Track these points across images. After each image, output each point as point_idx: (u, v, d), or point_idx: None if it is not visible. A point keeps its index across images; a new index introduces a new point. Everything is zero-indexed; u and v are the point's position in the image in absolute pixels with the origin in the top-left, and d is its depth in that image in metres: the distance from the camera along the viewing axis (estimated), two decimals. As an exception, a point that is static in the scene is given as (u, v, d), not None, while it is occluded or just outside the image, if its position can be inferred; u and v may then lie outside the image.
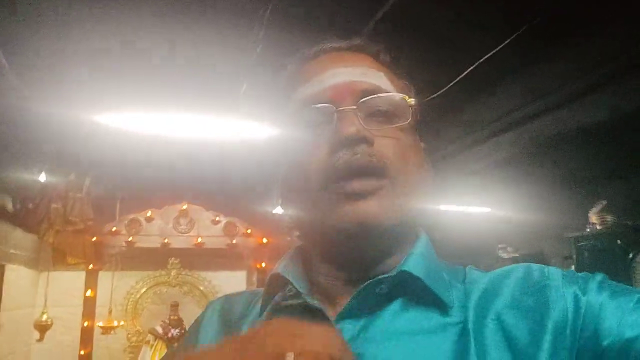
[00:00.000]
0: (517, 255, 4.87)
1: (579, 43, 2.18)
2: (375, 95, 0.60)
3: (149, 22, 2.17)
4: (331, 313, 0.58)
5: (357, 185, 0.56)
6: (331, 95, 0.60)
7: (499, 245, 5.04)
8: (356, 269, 0.60)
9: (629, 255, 3.46)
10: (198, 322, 0.73)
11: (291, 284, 0.61)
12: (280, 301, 0.64)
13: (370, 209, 0.55)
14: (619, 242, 3.57)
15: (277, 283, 0.64)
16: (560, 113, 2.59)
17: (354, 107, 0.58)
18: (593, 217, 3.81)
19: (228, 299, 0.75)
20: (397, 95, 0.62)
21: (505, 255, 4.98)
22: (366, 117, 0.59)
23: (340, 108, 0.58)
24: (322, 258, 0.63)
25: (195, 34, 2.26)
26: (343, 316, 0.58)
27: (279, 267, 0.64)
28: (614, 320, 0.51)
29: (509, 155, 3.05)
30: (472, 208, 4.65)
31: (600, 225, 3.75)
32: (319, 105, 0.59)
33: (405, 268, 0.58)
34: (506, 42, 2.11)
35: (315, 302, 0.58)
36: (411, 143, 0.63)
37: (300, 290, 0.60)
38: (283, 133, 0.65)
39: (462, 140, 3.27)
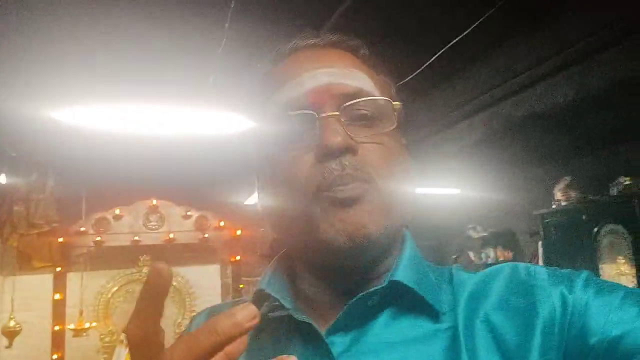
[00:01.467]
0: (486, 234, 4.99)
1: (545, 24, 2.21)
2: (358, 100, 0.57)
3: (112, 14, 2.09)
4: (320, 325, 0.56)
5: (343, 192, 0.54)
6: (312, 100, 0.57)
7: (469, 225, 5.15)
8: (345, 280, 0.59)
9: (593, 229, 3.58)
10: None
11: (277, 301, 0.59)
12: (267, 312, 0.62)
13: (359, 217, 0.54)
14: (583, 217, 3.69)
15: (262, 298, 0.62)
16: (527, 95, 2.64)
17: (337, 113, 0.56)
18: (558, 194, 3.92)
19: (213, 311, 0.72)
20: (381, 99, 0.60)
21: (475, 235, 5.09)
22: (349, 123, 0.57)
23: (323, 115, 0.56)
24: (307, 269, 0.62)
25: (160, 27, 2.19)
26: (333, 329, 0.56)
27: (263, 283, 0.62)
28: (600, 318, 0.52)
29: (477, 138, 3.09)
30: (442, 190, 4.72)
31: (565, 201, 3.86)
32: (300, 112, 0.57)
33: (396, 278, 0.57)
34: (475, 24, 2.12)
35: (304, 317, 0.56)
36: (395, 146, 0.61)
37: (287, 305, 0.58)
38: (261, 133, 0.62)
39: (432, 123, 3.30)
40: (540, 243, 4.19)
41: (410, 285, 0.56)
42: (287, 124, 0.57)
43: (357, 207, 0.54)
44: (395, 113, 0.60)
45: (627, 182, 3.38)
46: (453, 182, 4.66)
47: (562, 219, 3.93)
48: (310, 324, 0.55)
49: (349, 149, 0.55)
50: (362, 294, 0.55)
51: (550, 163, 4.07)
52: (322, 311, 0.59)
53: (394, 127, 0.59)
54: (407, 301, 0.57)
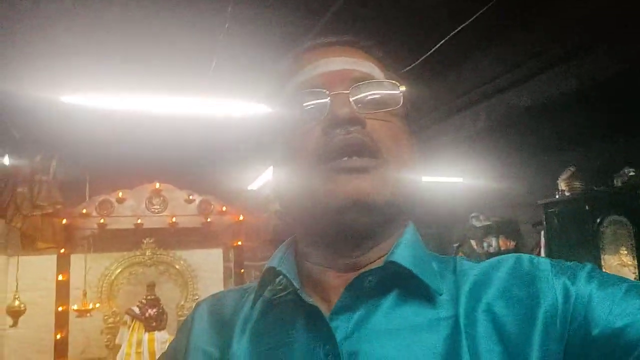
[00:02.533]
0: (490, 223, 4.98)
1: (550, 13, 2.18)
2: (367, 81, 0.61)
3: (115, 0, 2.08)
4: (324, 309, 0.58)
5: (350, 161, 0.57)
6: (325, 80, 0.61)
7: (472, 214, 5.14)
8: (345, 252, 0.60)
9: (596, 220, 3.57)
10: (188, 325, 0.71)
11: (284, 277, 0.61)
12: (272, 296, 0.64)
13: (363, 184, 0.56)
14: (586, 207, 3.68)
15: (270, 276, 0.64)
16: (530, 84, 2.62)
17: (347, 91, 0.59)
18: (562, 184, 3.91)
19: (216, 297, 0.74)
20: (389, 82, 0.63)
21: (477, 224, 5.09)
22: (359, 103, 0.59)
23: (334, 92, 0.59)
24: (310, 240, 0.63)
25: (163, 12, 2.18)
26: (336, 313, 0.57)
27: (274, 262, 0.64)
28: (603, 310, 0.52)
29: (481, 126, 3.07)
30: (445, 178, 4.71)
31: (568, 191, 3.85)
32: (313, 89, 0.60)
33: (392, 259, 0.58)
34: (478, 13, 2.09)
35: (310, 300, 0.58)
36: (402, 128, 0.63)
37: (296, 285, 0.60)
38: (276, 115, 0.65)
39: (435, 112, 3.28)
40: (543, 233, 4.19)
41: (407, 266, 0.57)
42: (300, 102, 0.60)
43: (360, 177, 0.56)
44: (402, 96, 0.62)
45: (632, 174, 3.36)
46: (456, 170, 4.65)
47: (566, 209, 3.91)
48: (316, 307, 0.57)
49: (356, 120, 0.57)
50: (360, 272, 0.57)
51: (554, 153, 4.05)
52: (327, 295, 0.60)
53: (399, 107, 0.61)
54: (409, 287, 0.58)
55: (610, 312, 0.51)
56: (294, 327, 0.59)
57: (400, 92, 0.62)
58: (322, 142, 0.57)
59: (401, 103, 0.62)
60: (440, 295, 0.58)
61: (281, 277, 0.62)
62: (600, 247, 3.57)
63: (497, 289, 0.58)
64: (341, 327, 0.56)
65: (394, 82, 0.63)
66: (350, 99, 0.58)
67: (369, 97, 0.60)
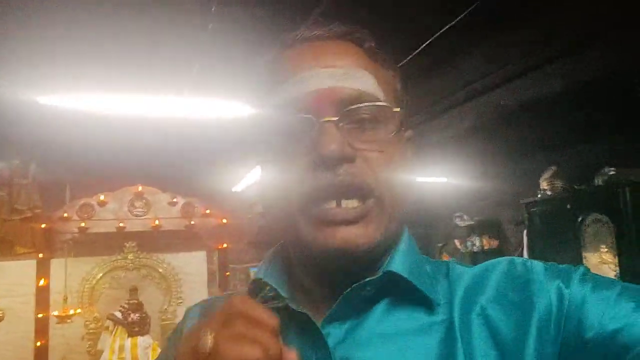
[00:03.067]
0: (473, 222, 5.03)
1: (538, 14, 2.20)
2: (358, 105, 0.56)
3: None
4: (316, 316, 0.57)
5: (337, 210, 0.54)
6: (312, 103, 0.56)
7: (456, 214, 5.18)
8: (338, 280, 0.58)
9: (578, 218, 3.62)
10: (179, 333, 0.70)
11: (275, 290, 0.59)
12: (262, 303, 0.62)
13: (352, 235, 0.54)
14: (568, 206, 3.72)
15: (259, 288, 0.62)
16: (516, 85, 2.65)
17: (336, 118, 0.55)
18: (544, 183, 3.95)
19: (206, 304, 0.72)
20: (382, 104, 0.58)
21: (461, 224, 5.13)
22: (349, 128, 0.56)
23: (322, 120, 0.55)
24: (303, 267, 0.62)
25: (144, 12, 2.14)
26: (329, 320, 0.57)
27: (260, 272, 0.62)
28: (597, 313, 0.52)
29: (465, 127, 3.10)
30: (429, 178, 4.73)
31: (550, 190, 3.90)
32: (300, 115, 0.56)
33: (390, 268, 0.57)
34: (464, 14, 2.10)
35: (300, 308, 0.57)
36: (397, 151, 0.60)
37: (284, 294, 0.59)
38: (263, 127, 0.61)
39: (420, 112, 3.30)
40: (525, 232, 4.23)
41: (405, 275, 0.57)
42: (287, 125, 0.57)
43: (349, 228, 0.54)
44: (398, 117, 0.59)
45: (612, 172, 3.42)
46: (440, 170, 4.67)
47: (547, 208, 3.96)
48: (306, 315, 0.56)
49: (345, 158, 0.54)
50: (356, 284, 0.56)
51: (537, 153, 4.10)
52: (319, 302, 0.60)
53: (394, 133, 0.58)
54: (402, 293, 0.58)
55: (603, 315, 0.51)
56: (285, 334, 0.57)
57: (397, 114, 0.59)
58: (309, 179, 0.55)
59: (396, 127, 0.58)
60: (438, 304, 0.58)
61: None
62: (582, 245, 3.62)
63: (491, 293, 0.58)
64: (333, 333, 0.56)
65: (388, 105, 0.58)
66: (340, 125, 0.54)
67: (361, 122, 0.57)
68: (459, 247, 5.21)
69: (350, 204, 0.55)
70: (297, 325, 0.57)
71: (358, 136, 0.56)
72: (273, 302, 0.61)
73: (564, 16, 2.15)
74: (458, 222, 5.16)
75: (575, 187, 3.72)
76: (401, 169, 0.60)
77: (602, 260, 3.48)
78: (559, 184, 3.88)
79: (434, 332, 0.55)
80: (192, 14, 2.17)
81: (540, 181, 3.98)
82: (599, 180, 3.51)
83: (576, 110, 2.95)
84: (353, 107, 0.56)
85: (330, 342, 0.55)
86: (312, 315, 0.56)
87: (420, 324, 0.56)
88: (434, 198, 4.95)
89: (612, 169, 3.42)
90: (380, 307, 0.58)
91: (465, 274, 0.61)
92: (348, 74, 0.58)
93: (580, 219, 3.62)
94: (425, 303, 0.57)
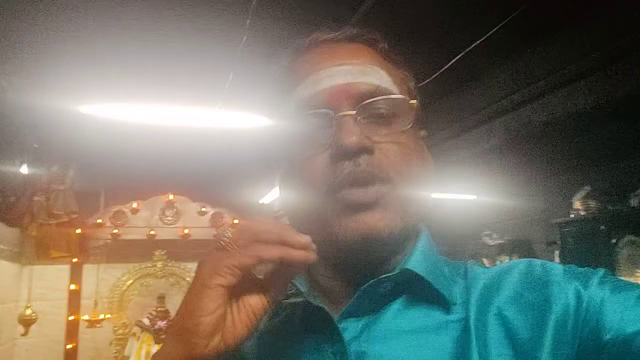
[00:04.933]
0: (503, 241, 4.94)
1: (567, 30, 2.19)
2: (374, 99, 0.58)
3: (135, 12, 2.13)
4: (333, 312, 0.57)
5: (360, 194, 0.55)
6: (329, 98, 0.57)
7: (485, 232, 5.10)
8: (358, 273, 0.59)
9: (612, 240, 3.53)
10: None
11: (292, 283, 0.60)
12: (282, 299, 0.63)
13: (373, 220, 0.55)
14: (602, 227, 3.64)
15: None
16: (547, 101, 2.61)
17: (354, 112, 0.56)
18: (577, 203, 3.87)
19: None
20: (399, 97, 0.59)
21: (490, 242, 5.05)
22: (366, 122, 0.57)
23: (340, 114, 0.56)
24: (322, 261, 0.62)
25: (181, 24, 2.22)
26: (345, 315, 0.57)
27: None
28: (615, 315, 0.51)
29: (495, 143, 3.06)
30: (458, 195, 4.68)
31: (584, 211, 3.82)
32: (317, 111, 0.57)
33: (408, 266, 0.57)
34: (495, 29, 2.11)
35: (317, 302, 0.57)
36: (413, 144, 0.61)
37: (302, 289, 0.59)
38: (280, 130, 0.63)
39: (449, 128, 3.28)
40: (557, 253, 4.14)
41: (422, 273, 0.57)
42: (305, 123, 0.58)
43: (371, 212, 0.55)
44: (413, 111, 0.60)
45: (648, 193, 3.33)
46: (470, 187, 4.62)
47: (581, 229, 3.87)
48: (323, 309, 0.56)
49: (364, 149, 0.55)
50: (373, 280, 0.56)
51: (569, 171, 4.02)
52: (336, 298, 0.60)
53: (410, 125, 0.59)
54: (419, 291, 0.58)
55: (622, 317, 0.51)
56: (302, 328, 0.59)
57: (411, 107, 0.60)
58: (330, 172, 0.56)
59: (411, 118, 0.59)
60: (454, 303, 0.58)
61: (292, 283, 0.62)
62: (616, 267, 3.52)
63: (508, 293, 0.57)
64: (350, 328, 0.56)
65: (402, 96, 0.60)
66: (358, 119, 0.56)
67: (378, 116, 0.58)
68: (487, 266, 5.12)
69: (370, 188, 0.55)
70: (314, 320, 0.58)
71: (375, 129, 0.57)
72: (292, 297, 0.62)
73: (594, 32, 2.13)
74: (487, 240, 5.08)
75: (610, 207, 3.63)
76: (418, 161, 0.61)
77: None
78: (592, 204, 3.80)
79: (450, 330, 0.55)
80: (227, 28, 2.23)
81: (574, 201, 3.90)
82: (634, 202, 3.43)
83: (608, 127, 2.89)
84: (369, 100, 0.57)
85: (346, 336, 0.55)
86: (330, 309, 0.57)
87: (436, 322, 0.56)
88: (463, 215, 4.89)
89: (648, 189, 3.33)
90: (396, 305, 0.58)
91: (483, 274, 0.61)
92: (363, 70, 0.59)
93: (614, 240, 3.53)
94: (441, 302, 0.58)
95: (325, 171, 0.56)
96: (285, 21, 2.17)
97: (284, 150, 0.62)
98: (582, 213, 3.81)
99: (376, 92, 0.58)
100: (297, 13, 2.12)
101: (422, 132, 0.67)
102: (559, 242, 4.05)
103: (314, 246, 0.50)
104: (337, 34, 0.64)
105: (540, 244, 4.59)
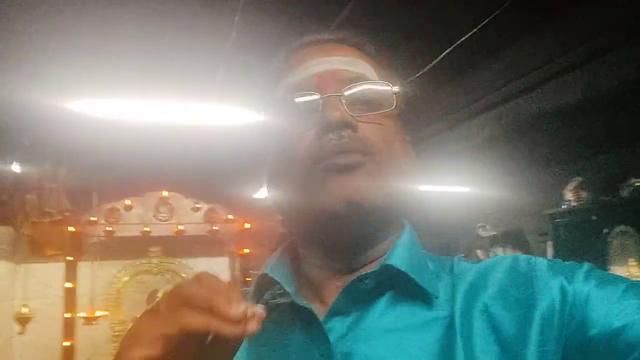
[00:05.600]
0: (496, 233, 4.96)
1: (556, 23, 2.19)
2: (359, 83, 0.60)
3: (123, 7, 2.12)
4: (320, 311, 0.58)
5: (342, 159, 0.56)
6: (317, 83, 0.60)
7: (478, 224, 5.12)
8: (342, 254, 0.60)
9: (603, 230, 3.55)
10: None
11: (279, 284, 0.61)
12: (269, 300, 0.63)
13: (356, 184, 0.56)
14: (594, 217, 3.65)
15: (265, 283, 0.63)
16: (537, 93, 2.62)
17: (339, 94, 0.58)
18: (569, 194, 3.89)
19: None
20: (382, 83, 0.62)
21: (484, 234, 5.07)
22: (351, 105, 0.58)
23: (325, 95, 0.58)
24: (308, 243, 0.63)
25: (170, 20, 2.21)
26: (331, 314, 0.58)
27: (267, 268, 0.63)
28: (601, 309, 0.51)
29: (487, 136, 3.07)
30: (451, 188, 4.70)
31: (575, 201, 3.83)
32: (305, 93, 0.60)
33: (389, 262, 0.58)
34: (483, 23, 2.11)
35: (303, 302, 0.58)
36: (395, 130, 0.63)
37: (288, 289, 0.59)
38: (269, 119, 0.65)
39: (441, 121, 3.29)
40: (549, 243, 4.16)
41: (403, 269, 0.57)
42: (292, 104, 0.60)
43: (354, 174, 0.56)
44: (396, 99, 0.61)
45: (638, 183, 3.35)
46: (462, 180, 4.63)
47: (572, 220, 3.89)
48: (309, 310, 0.57)
49: (348, 124, 0.57)
50: (354, 278, 0.57)
51: (560, 163, 4.04)
52: (323, 297, 0.61)
53: (392, 109, 0.61)
54: (404, 288, 0.58)
55: (608, 312, 0.51)
56: (289, 329, 0.59)
57: (394, 93, 0.61)
58: (315, 146, 0.57)
59: (394, 104, 0.61)
60: (436, 297, 0.58)
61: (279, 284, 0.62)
62: (608, 258, 3.54)
63: (494, 289, 0.58)
64: (336, 328, 0.57)
65: (386, 82, 0.62)
66: (342, 101, 0.58)
67: (362, 99, 0.60)
68: (481, 258, 5.15)
69: (353, 155, 0.57)
70: (301, 320, 0.58)
71: (359, 111, 0.59)
72: (279, 298, 0.62)
73: (583, 24, 2.14)
74: (481, 232, 5.10)
75: (601, 198, 3.65)
76: (400, 147, 0.62)
77: (630, 274, 3.40)
78: (584, 194, 3.81)
79: (434, 327, 0.55)
80: (216, 23, 2.23)
81: (565, 192, 3.92)
82: (625, 192, 3.44)
83: (598, 119, 2.90)
84: (354, 84, 0.59)
85: (332, 336, 0.55)
86: (316, 310, 0.57)
87: (421, 319, 0.57)
88: (456, 208, 4.90)
89: (638, 180, 3.35)
90: (382, 302, 0.58)
91: (469, 270, 0.61)
92: (350, 61, 0.62)
93: (606, 230, 3.54)
94: (426, 298, 0.58)
95: (311, 147, 0.58)
96: (273, 17, 2.17)
97: (272, 135, 0.64)
98: (574, 204, 3.83)
99: (360, 78, 0.60)
100: (285, 9, 2.13)
101: (407, 137, 0.68)
102: (551, 232, 4.08)
103: (260, 314, 0.44)
104: (327, 36, 0.67)
105: (533, 235, 4.61)
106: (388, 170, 0.58)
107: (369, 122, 0.59)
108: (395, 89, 0.62)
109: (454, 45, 2.37)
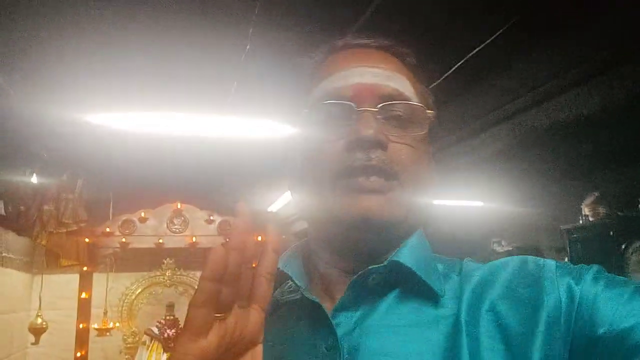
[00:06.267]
0: (511, 248, 4.90)
1: (571, 34, 2.18)
2: (396, 102, 0.61)
3: (139, 21, 2.16)
4: (329, 307, 0.59)
5: (367, 183, 0.57)
6: (353, 93, 0.61)
7: (493, 239, 5.07)
8: (354, 259, 0.61)
9: (621, 246, 3.49)
10: None
11: (290, 279, 0.62)
12: (279, 297, 0.65)
13: (375, 204, 0.57)
14: (611, 233, 3.60)
15: (277, 279, 0.65)
16: (551, 105, 2.61)
17: (375, 109, 0.59)
18: (586, 209, 3.84)
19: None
20: (418, 105, 0.63)
21: (499, 249, 5.01)
22: (385, 121, 0.60)
23: (361, 108, 0.59)
24: (323, 246, 0.65)
25: (184, 33, 2.25)
26: (339, 309, 0.59)
27: (279, 263, 0.64)
28: (608, 310, 0.51)
29: (501, 148, 3.05)
30: (464, 202, 4.66)
31: (592, 216, 3.78)
32: (341, 101, 0.60)
33: (396, 258, 0.59)
34: (497, 33, 2.11)
35: (313, 297, 0.59)
36: (424, 152, 0.64)
37: (299, 284, 0.61)
38: (300, 123, 0.65)
39: (454, 133, 3.28)
40: (566, 259, 4.10)
41: (409, 265, 0.58)
42: (326, 112, 0.61)
43: (374, 197, 0.57)
44: (429, 121, 0.63)
45: (657, 198, 3.30)
46: (476, 194, 4.60)
47: (590, 235, 3.84)
48: (318, 304, 0.58)
49: (379, 143, 0.58)
50: (362, 271, 0.58)
51: (576, 177, 3.99)
52: (332, 293, 0.62)
53: (424, 132, 0.62)
54: (411, 285, 0.59)
55: (615, 312, 0.51)
56: (298, 324, 0.61)
57: (428, 118, 0.63)
58: (343, 160, 0.58)
59: (427, 129, 0.62)
60: (442, 296, 0.59)
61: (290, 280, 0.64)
62: (626, 273, 3.48)
63: (501, 289, 0.58)
64: (343, 323, 0.57)
65: (422, 105, 0.63)
66: (377, 117, 0.59)
67: (396, 118, 0.61)
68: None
69: (377, 179, 0.58)
70: (310, 315, 0.59)
71: (391, 130, 0.60)
72: (290, 294, 0.64)
73: (599, 34, 2.13)
74: (496, 247, 5.04)
75: (619, 213, 3.59)
76: (426, 168, 0.64)
77: (649, 291, 3.33)
78: (601, 209, 3.76)
79: (441, 325, 0.56)
80: (231, 36, 2.26)
81: (582, 207, 3.87)
82: (643, 206, 3.39)
83: (615, 132, 2.87)
84: (390, 102, 0.60)
85: (340, 331, 0.56)
86: (325, 304, 0.58)
87: (428, 316, 0.57)
88: (470, 222, 4.86)
89: (657, 194, 3.30)
90: (389, 299, 0.59)
91: (477, 270, 0.62)
92: (389, 76, 0.63)
93: (624, 246, 3.49)
94: (433, 296, 0.59)
95: (338, 159, 0.59)
96: (287, 30, 2.20)
97: (301, 141, 0.65)
98: (591, 219, 3.78)
99: (398, 96, 0.61)
100: (299, 22, 2.15)
101: (430, 149, 0.69)
102: (567, 248, 4.02)
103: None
104: (370, 40, 0.68)
105: (549, 251, 4.54)
106: (410, 193, 0.60)
107: (399, 143, 0.60)
108: (430, 112, 0.63)
109: (468, 57, 2.37)
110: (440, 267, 0.64)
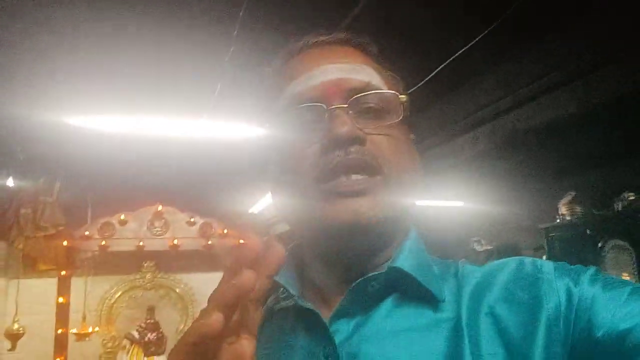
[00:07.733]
0: (491, 247, 4.97)
1: (549, 38, 2.22)
2: (366, 93, 0.59)
3: (120, 22, 2.13)
4: (325, 314, 0.58)
5: (349, 182, 0.55)
6: (322, 93, 0.59)
7: (473, 239, 5.13)
8: (348, 266, 0.60)
9: (598, 244, 3.56)
10: None
11: (283, 287, 0.61)
12: (273, 304, 0.64)
13: (362, 207, 0.55)
14: (588, 231, 3.67)
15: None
16: (531, 107, 2.65)
17: (345, 105, 0.57)
18: (563, 208, 3.91)
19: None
20: (389, 92, 0.61)
21: (479, 248, 5.07)
22: (357, 115, 0.58)
23: (332, 107, 0.57)
24: (314, 255, 0.63)
25: (168, 35, 2.23)
26: (337, 316, 0.58)
27: None
28: (607, 312, 0.51)
29: (481, 150, 3.09)
30: (445, 202, 4.71)
31: (569, 215, 3.85)
32: (310, 104, 0.58)
33: (395, 265, 0.58)
34: (478, 38, 2.14)
35: (308, 304, 0.58)
36: (402, 138, 0.62)
37: (293, 292, 0.60)
38: (272, 131, 0.63)
39: (435, 135, 3.31)
40: (544, 257, 4.18)
41: (409, 271, 0.57)
42: (297, 117, 0.59)
43: (360, 199, 0.55)
44: (402, 106, 0.61)
45: (632, 197, 3.37)
46: (456, 194, 4.65)
47: (567, 234, 3.91)
48: (314, 312, 0.56)
49: (356, 139, 0.56)
50: (361, 279, 0.57)
51: (554, 177, 4.07)
52: (328, 300, 0.61)
53: (400, 118, 0.60)
54: (409, 289, 0.58)
55: (614, 314, 0.51)
56: (294, 331, 0.59)
57: (401, 103, 0.61)
58: (322, 162, 0.56)
59: (401, 113, 0.61)
60: (442, 300, 0.58)
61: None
62: (603, 270, 3.55)
63: (499, 292, 0.58)
64: (341, 329, 0.57)
65: (393, 91, 0.62)
66: (349, 112, 0.57)
67: (368, 109, 0.59)
68: (477, 270, 5.15)
69: (360, 177, 0.56)
70: (306, 322, 0.58)
71: (366, 122, 0.58)
72: (284, 302, 0.63)
73: (576, 38, 2.17)
74: (476, 247, 5.10)
75: (595, 212, 3.67)
76: (407, 155, 0.62)
77: (624, 288, 3.41)
78: (578, 209, 3.84)
79: (441, 329, 0.55)
80: (214, 38, 2.24)
81: (559, 206, 3.94)
82: (618, 206, 3.47)
83: (591, 134, 2.93)
84: (360, 95, 0.58)
85: (338, 338, 0.55)
86: (321, 312, 0.57)
87: (427, 321, 0.56)
88: (451, 222, 4.91)
89: (632, 193, 3.37)
90: (387, 304, 0.58)
91: (474, 272, 0.61)
92: (355, 68, 0.61)
93: (600, 244, 3.56)
94: (432, 301, 0.58)
95: (317, 162, 0.57)
96: (272, 31, 2.19)
97: (275, 149, 0.63)
98: (568, 218, 3.85)
99: (367, 87, 0.59)
100: (284, 23, 2.14)
101: (411, 135, 0.67)
102: (545, 246, 4.09)
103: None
104: (329, 37, 0.65)
105: (527, 250, 4.62)
106: (397, 186, 0.58)
107: (376, 134, 0.58)
108: (402, 97, 0.61)
109: (448, 60, 2.40)
110: (436, 269, 0.63)
